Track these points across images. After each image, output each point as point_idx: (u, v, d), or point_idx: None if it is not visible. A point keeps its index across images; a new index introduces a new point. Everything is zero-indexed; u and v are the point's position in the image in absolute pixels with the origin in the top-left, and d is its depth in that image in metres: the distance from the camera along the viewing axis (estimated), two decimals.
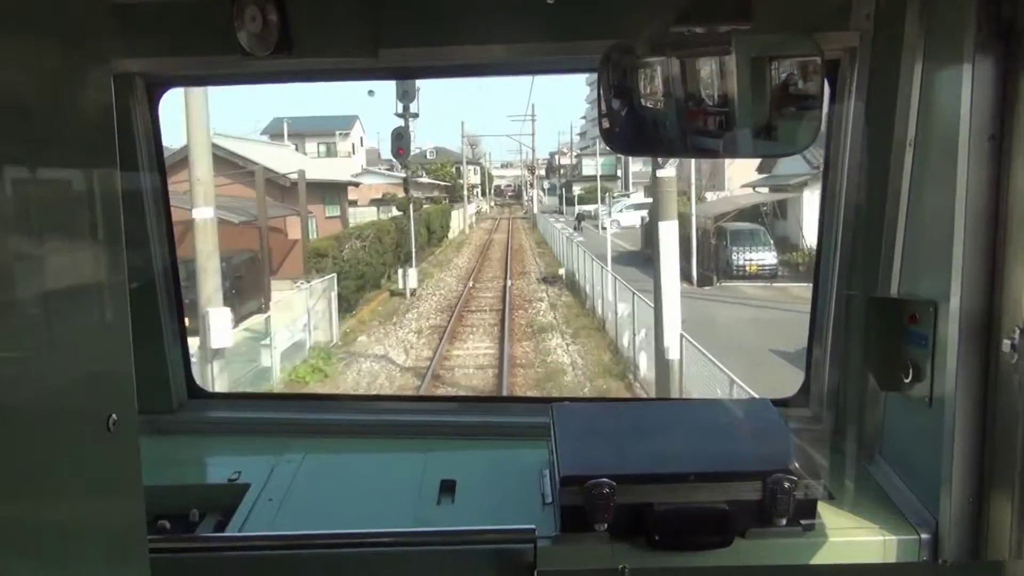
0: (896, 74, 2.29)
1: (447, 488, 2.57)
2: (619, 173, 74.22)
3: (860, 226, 2.58)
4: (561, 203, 77.21)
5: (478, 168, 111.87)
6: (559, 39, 2.58)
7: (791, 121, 2.22)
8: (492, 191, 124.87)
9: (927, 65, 2.19)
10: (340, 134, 66.37)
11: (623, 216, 48.00)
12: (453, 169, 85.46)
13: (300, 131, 59.56)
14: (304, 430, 3.05)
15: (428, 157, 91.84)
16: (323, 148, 64.13)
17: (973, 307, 1.96)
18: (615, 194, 66.46)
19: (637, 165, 58.37)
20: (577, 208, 64.16)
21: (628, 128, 2.38)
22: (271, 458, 2.76)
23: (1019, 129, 1.86)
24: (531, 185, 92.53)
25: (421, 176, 70.53)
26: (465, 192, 68.02)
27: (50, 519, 1.29)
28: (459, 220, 62.06)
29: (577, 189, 75.68)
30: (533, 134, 67.84)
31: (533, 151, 73.05)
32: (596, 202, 60.50)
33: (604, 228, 40.38)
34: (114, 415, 1.41)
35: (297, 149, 52.22)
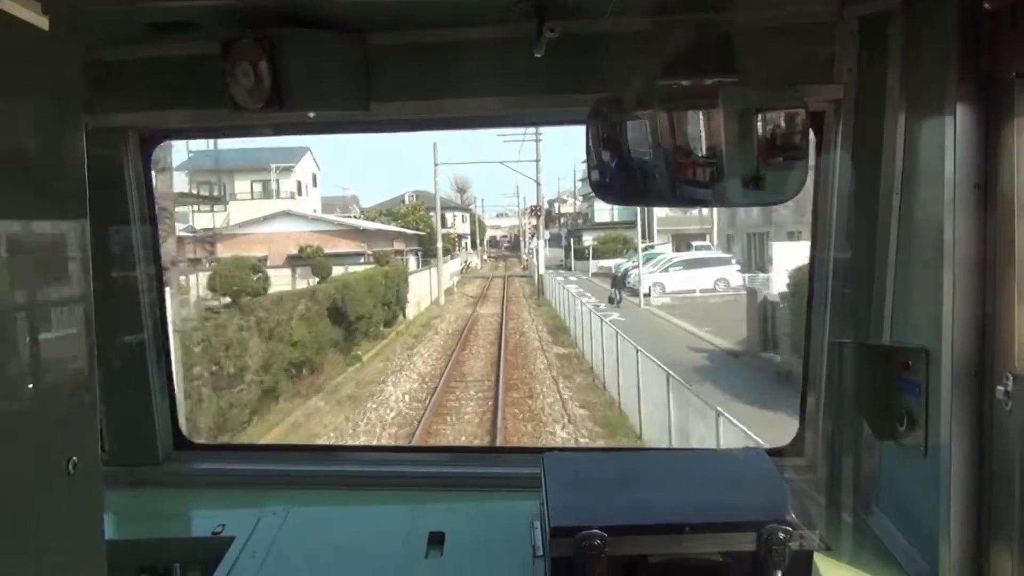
0: (880, 125, 2.33)
1: (435, 541, 2.52)
2: (637, 219, 57.32)
3: (850, 274, 2.60)
4: (567, 256, 65.41)
5: (466, 216, 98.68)
6: (548, 92, 2.62)
7: (779, 171, 2.25)
8: (485, 242, 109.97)
9: (910, 115, 2.22)
10: (278, 168, 50.06)
11: (668, 278, 35.22)
12: (430, 215, 67.31)
13: (228, 166, 44.55)
14: (290, 482, 3.01)
15: (406, 202, 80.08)
16: (258, 187, 50.62)
17: (965, 354, 1.96)
18: (636, 245, 52.86)
19: (663, 210, 45.81)
20: (592, 263, 53.03)
21: (618, 179, 2.41)
22: (256, 511, 2.70)
23: (1004, 176, 1.89)
24: (529, 234, 72.93)
25: (387, 222, 59.70)
26: (438, 244, 48.77)
27: (5, 562, 1.27)
28: (428, 285, 45.24)
29: (589, 239, 63.72)
30: (537, 160, 51.81)
31: (538, 185, 51.40)
32: (615, 255, 50.62)
33: (645, 293, 31.24)
34: (74, 457, 1.40)
35: (212, 192, 39.83)
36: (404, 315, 35.81)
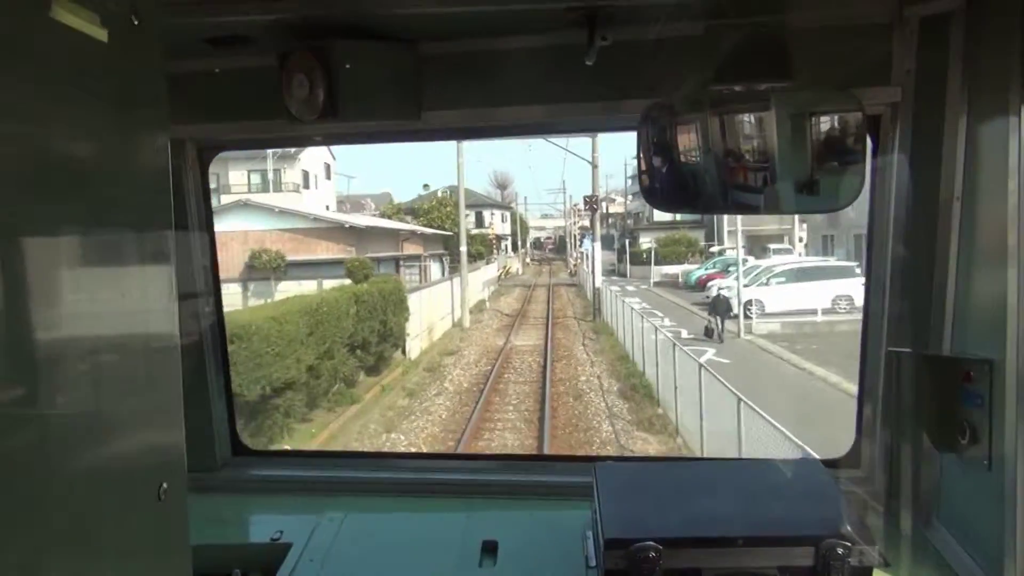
0: (940, 128, 2.27)
1: (489, 549, 2.53)
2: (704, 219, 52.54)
3: (908, 282, 2.53)
4: (621, 259, 57.78)
5: (506, 215, 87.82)
6: (599, 99, 2.61)
7: (833, 176, 2.21)
8: (528, 244, 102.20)
9: (972, 119, 2.16)
10: (275, 155, 41.20)
11: (768, 294, 26.29)
12: (470, 215, 58.06)
13: (223, 154, 26.63)
14: (347, 488, 3.05)
15: (439, 197, 67.38)
16: (256, 178, 43.03)
17: None
18: (704, 248, 49.66)
19: None
20: (653, 269, 45.95)
21: (668, 184, 2.39)
22: (313, 517, 2.75)
23: None
24: (579, 235, 62.14)
25: (408, 221, 51.12)
26: (463, 248, 37.08)
27: None
28: (451, 300, 33.62)
29: (647, 240, 54.78)
30: (594, 138, 36.61)
31: (594, 169, 39.07)
32: (678, 260, 47.55)
33: (745, 315, 22.89)
34: (165, 484, 1.42)
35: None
36: (404, 351, 24.79)
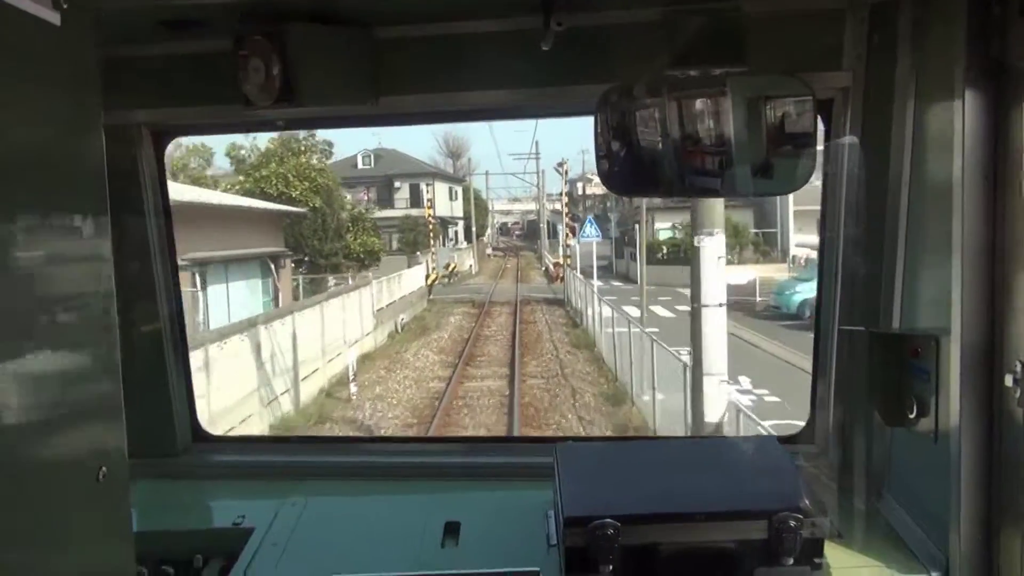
0: (890, 112, 2.33)
1: (451, 530, 2.55)
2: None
3: (860, 261, 2.60)
4: (620, 255, 42.98)
5: (457, 191, 63.68)
6: (556, 84, 2.62)
7: (787, 160, 2.25)
8: (493, 230, 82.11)
9: (919, 103, 2.22)
10: None
11: None
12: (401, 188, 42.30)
13: None
14: (308, 473, 3.04)
15: (360, 166, 53.77)
16: None
17: (974, 341, 1.97)
18: (795, 246, 33.91)
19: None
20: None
21: (627, 168, 2.42)
22: (275, 502, 2.74)
23: (1012, 164, 1.89)
24: (568, 216, 43.07)
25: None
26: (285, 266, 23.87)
27: (39, 571, 1.29)
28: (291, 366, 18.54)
29: (666, 227, 39.45)
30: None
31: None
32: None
33: None
34: (104, 468, 1.41)
35: None
36: None
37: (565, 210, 43.68)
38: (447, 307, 35.39)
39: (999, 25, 1.86)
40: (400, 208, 53.82)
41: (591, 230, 32.92)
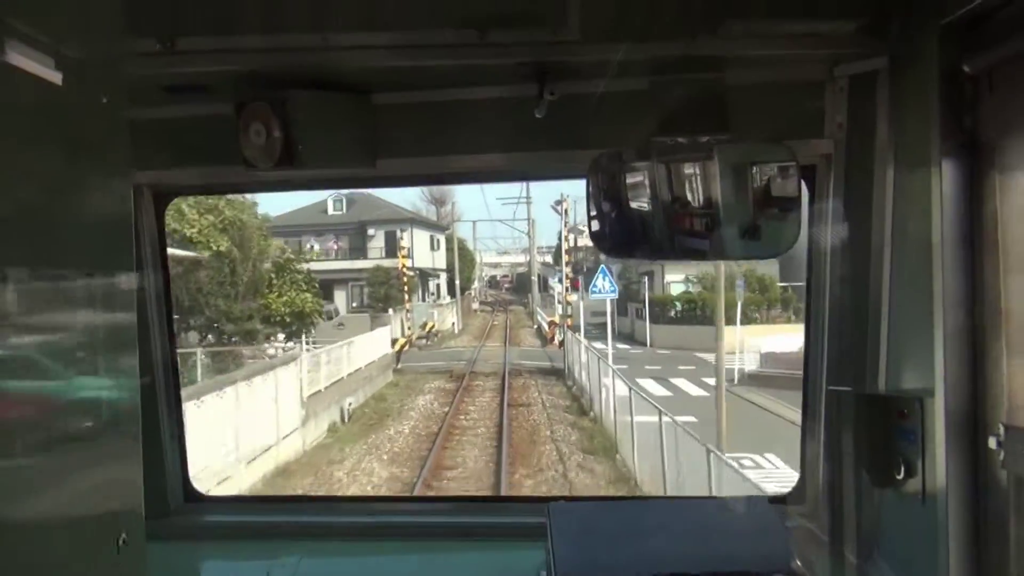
0: (871, 179, 2.40)
1: None
2: None
3: (846, 323, 2.64)
4: (621, 311, 34.37)
5: (439, 240, 58.42)
6: (550, 148, 2.70)
7: (773, 224, 2.32)
8: (480, 283, 76.33)
9: (898, 171, 2.29)
10: None
11: None
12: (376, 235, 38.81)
13: None
14: (300, 533, 3.02)
15: (331, 211, 49.59)
16: None
17: (958, 404, 1.99)
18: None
19: None
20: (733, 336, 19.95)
21: (617, 230, 2.48)
22: (266, 563, 2.72)
23: (989, 231, 1.94)
24: (564, 266, 37.26)
25: None
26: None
27: None
28: None
29: (677, 279, 33.12)
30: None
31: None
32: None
33: None
34: (124, 534, 1.41)
35: None
36: None
37: (566, 257, 37.81)
38: (418, 380, 29.03)
39: (971, 101, 1.93)
40: (373, 258, 48.39)
41: (604, 283, 26.52)
